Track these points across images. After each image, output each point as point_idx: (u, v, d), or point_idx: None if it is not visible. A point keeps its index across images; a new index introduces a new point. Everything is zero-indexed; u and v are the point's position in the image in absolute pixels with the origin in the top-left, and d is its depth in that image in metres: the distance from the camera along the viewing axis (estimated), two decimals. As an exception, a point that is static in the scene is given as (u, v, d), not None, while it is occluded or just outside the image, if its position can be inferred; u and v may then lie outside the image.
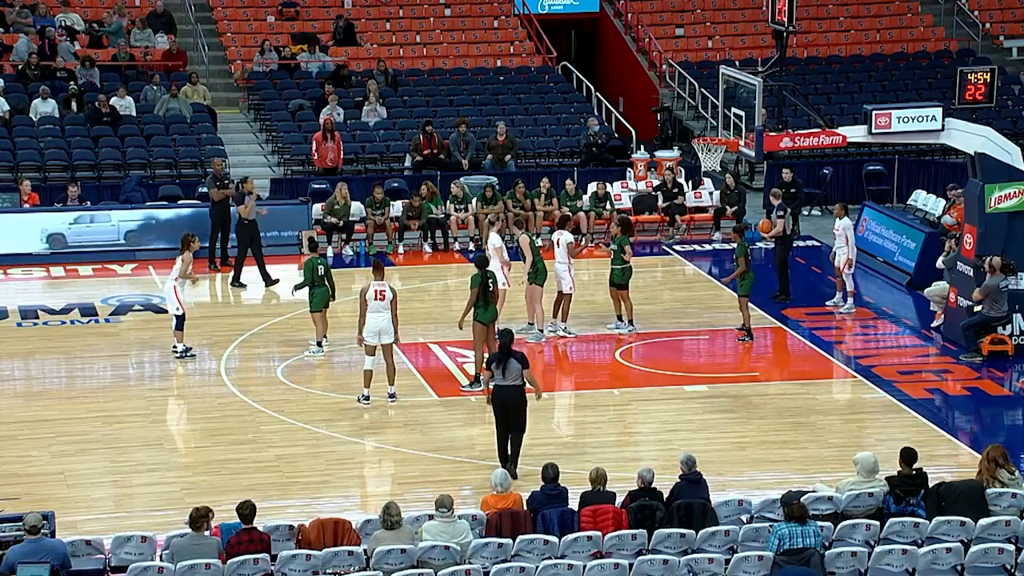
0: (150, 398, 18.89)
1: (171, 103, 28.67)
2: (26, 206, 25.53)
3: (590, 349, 21.23)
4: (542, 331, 20.86)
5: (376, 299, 18.39)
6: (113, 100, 28.26)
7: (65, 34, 29.97)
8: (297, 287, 20.59)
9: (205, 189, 25.19)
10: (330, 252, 25.46)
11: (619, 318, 21.24)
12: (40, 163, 27.31)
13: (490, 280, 18.85)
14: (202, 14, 32.10)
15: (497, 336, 16.81)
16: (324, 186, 26.64)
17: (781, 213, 22.82)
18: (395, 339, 18.45)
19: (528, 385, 16.22)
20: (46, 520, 13.29)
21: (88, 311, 22.29)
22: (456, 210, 26.17)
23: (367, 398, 18.51)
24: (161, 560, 12.88)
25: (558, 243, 21.10)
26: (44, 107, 28.13)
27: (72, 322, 21.90)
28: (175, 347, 20.12)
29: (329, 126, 27.78)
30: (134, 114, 28.51)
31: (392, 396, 18.57)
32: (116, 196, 26.55)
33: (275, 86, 30.24)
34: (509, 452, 16.15)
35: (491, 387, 16.21)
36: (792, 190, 23.86)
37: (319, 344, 20.25)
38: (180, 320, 19.98)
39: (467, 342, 19.74)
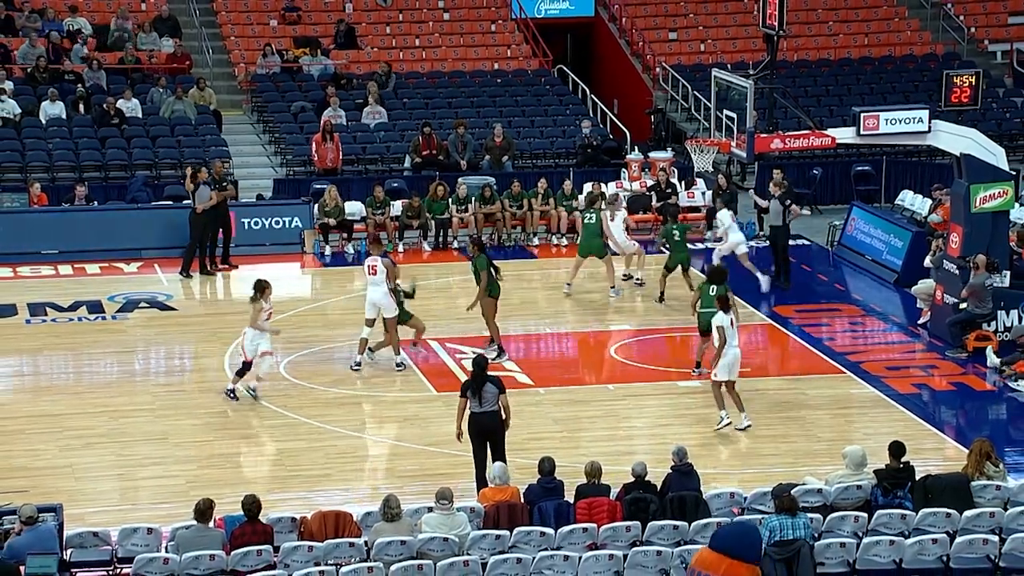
0: (155, 393, 19.03)
1: (176, 105, 29.03)
2: (35, 206, 25.80)
3: (585, 345, 21.55)
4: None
5: (369, 274, 18.91)
6: (119, 102, 28.59)
7: (82, 38, 30.23)
8: (406, 294, 19.71)
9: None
10: (328, 251, 25.89)
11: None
12: (48, 164, 27.55)
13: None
14: (206, 18, 32.40)
15: (472, 364, 16.13)
16: (325, 186, 27.01)
17: (789, 202, 23.45)
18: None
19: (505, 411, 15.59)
20: (54, 511, 13.51)
21: (95, 308, 22.46)
22: (458, 210, 26.54)
23: (359, 364, 19.12)
24: (167, 551, 13.03)
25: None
26: (52, 109, 28.39)
27: (80, 319, 22.08)
28: (231, 390, 18.52)
29: (328, 127, 28.13)
30: (140, 116, 28.84)
31: (400, 365, 19.20)
32: (123, 196, 26.80)
33: (278, 88, 30.57)
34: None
35: (466, 414, 15.59)
36: (786, 181, 24.25)
37: (399, 364, 19.56)
38: (244, 367, 18.42)
39: (466, 339, 20.18)
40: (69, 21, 30.80)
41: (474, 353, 17.36)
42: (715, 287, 18.75)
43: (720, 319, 17.55)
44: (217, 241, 24.62)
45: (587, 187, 26.83)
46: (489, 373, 15.73)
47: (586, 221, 22.93)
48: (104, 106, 28.35)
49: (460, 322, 20.11)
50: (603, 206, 23.12)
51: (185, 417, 18.28)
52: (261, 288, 18.18)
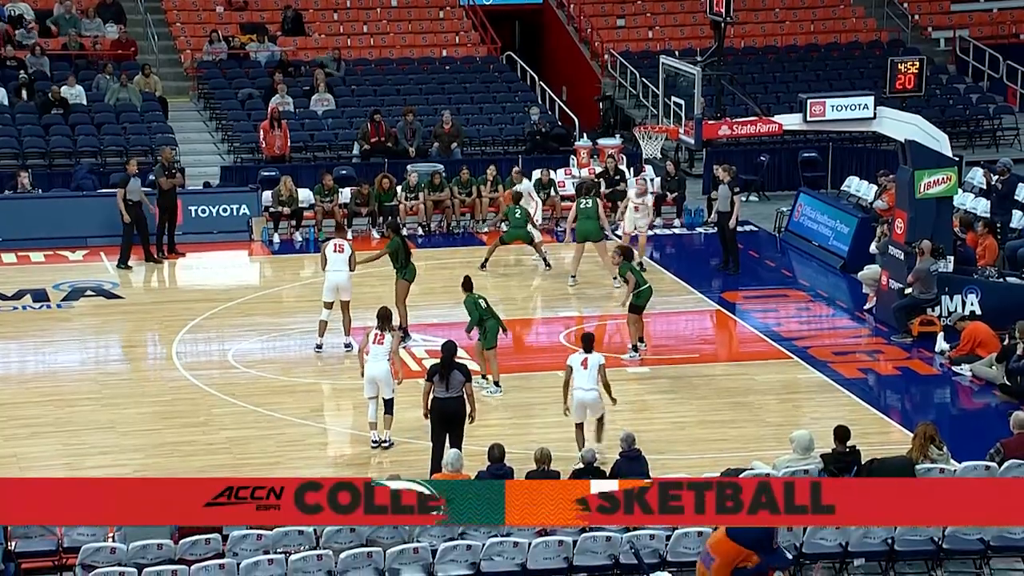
0: (102, 382, 18.93)
1: (121, 92, 28.83)
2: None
3: (535, 331, 21.59)
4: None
5: (335, 251, 19.33)
6: (63, 89, 28.36)
7: (31, 23, 29.90)
8: (468, 330, 18.50)
9: (153, 177, 25.36)
10: (276, 239, 25.81)
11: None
12: (-9, 151, 27.45)
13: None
14: (151, 4, 32.19)
15: (440, 349, 16.24)
16: (273, 174, 26.90)
17: (738, 189, 23.44)
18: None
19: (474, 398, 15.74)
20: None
21: (40, 297, 22.31)
22: (407, 198, 26.51)
23: (320, 347, 19.57)
24: (114, 541, 12.96)
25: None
26: (-6, 96, 28.26)
27: (24, 307, 21.91)
28: (385, 439, 16.76)
29: (275, 115, 28.03)
30: (84, 103, 28.62)
31: (348, 346, 19.48)
32: (67, 183, 26.67)
33: (224, 75, 30.42)
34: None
35: (430, 399, 15.61)
36: (733, 167, 24.38)
37: (496, 384, 18.29)
38: (390, 404, 16.65)
39: (415, 326, 20.18)
40: (10, 7, 30.50)
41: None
42: (636, 263, 19.63)
43: (572, 359, 16.30)
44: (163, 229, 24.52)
45: (535, 174, 26.90)
46: (457, 360, 15.84)
47: (582, 206, 22.83)
48: (49, 94, 28.09)
49: (410, 309, 20.11)
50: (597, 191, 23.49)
51: (132, 406, 18.19)
52: (389, 317, 16.95)
